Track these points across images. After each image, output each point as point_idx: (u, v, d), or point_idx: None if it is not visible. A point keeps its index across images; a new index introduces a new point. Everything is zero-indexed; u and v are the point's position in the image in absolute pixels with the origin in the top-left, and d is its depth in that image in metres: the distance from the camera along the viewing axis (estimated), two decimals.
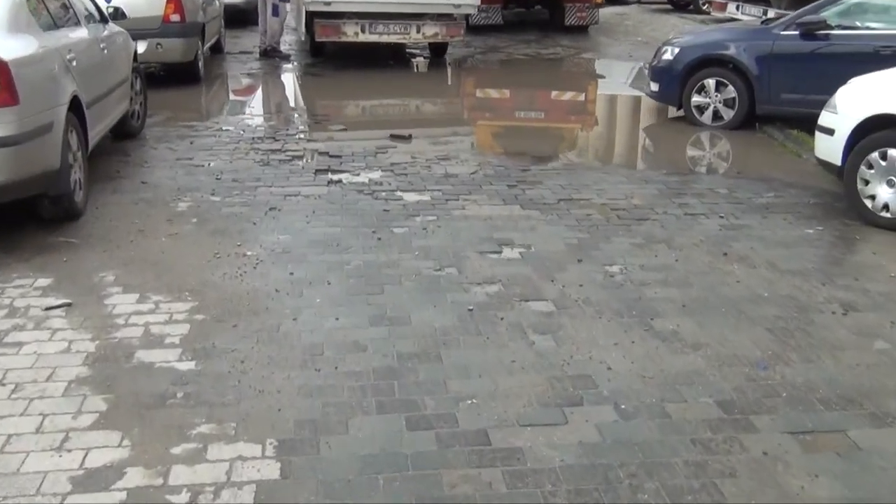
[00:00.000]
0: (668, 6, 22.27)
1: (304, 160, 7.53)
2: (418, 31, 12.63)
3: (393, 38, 12.67)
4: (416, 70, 13.86)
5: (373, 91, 11.59)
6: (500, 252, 5.32)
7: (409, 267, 5.03)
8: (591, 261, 5.20)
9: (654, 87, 9.61)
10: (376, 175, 7.05)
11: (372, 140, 8.34)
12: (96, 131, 6.43)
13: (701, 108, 9.17)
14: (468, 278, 4.88)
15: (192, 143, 8.00)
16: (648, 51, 14.94)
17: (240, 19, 16.32)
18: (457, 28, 12.78)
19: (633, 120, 10.52)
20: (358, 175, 7.06)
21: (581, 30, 17.51)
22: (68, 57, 5.76)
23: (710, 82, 9.05)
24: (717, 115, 9.11)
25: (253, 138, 8.26)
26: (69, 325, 4.21)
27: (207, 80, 11.56)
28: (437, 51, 13.97)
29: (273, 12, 13.14)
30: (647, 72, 10.25)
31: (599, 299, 4.61)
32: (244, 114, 9.61)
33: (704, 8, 20.85)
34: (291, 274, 4.89)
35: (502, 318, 4.35)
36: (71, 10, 6.49)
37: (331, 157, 7.62)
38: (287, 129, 8.76)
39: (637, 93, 11.69)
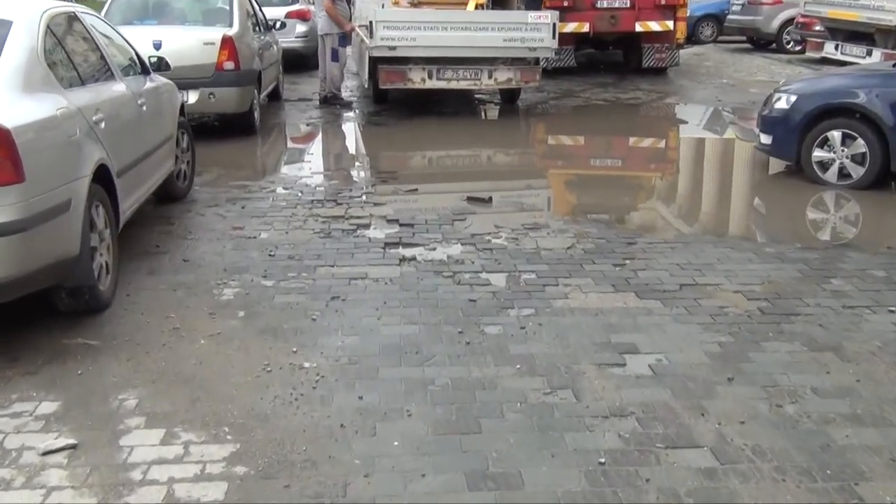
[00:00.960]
0: (748, 45, 21.02)
1: (371, 230, 6.49)
2: (490, 77, 11.60)
3: (463, 85, 11.66)
4: (485, 117, 12.86)
5: (441, 141, 10.62)
6: (625, 364, 4.18)
7: (510, 388, 3.91)
8: (745, 380, 4.02)
9: (766, 139, 8.40)
10: (455, 250, 5.98)
11: (446, 203, 7.30)
12: (130, 202, 5.49)
13: (824, 165, 7.93)
14: (590, 408, 3.74)
15: (243, 207, 7.03)
16: (737, 95, 13.82)
17: (298, 64, 15.55)
18: (532, 73, 11.74)
19: (739, 176, 9.30)
20: (434, 250, 5.99)
21: (659, 72, 16.36)
22: (95, 118, 4.82)
23: (836, 135, 7.81)
24: (843, 173, 7.86)
25: (312, 201, 7.26)
26: (69, 480, 3.18)
27: (264, 131, 10.67)
28: (508, 96, 12.95)
29: (333, 57, 12.28)
30: (755, 123, 8.99)
31: (774, 447, 3.43)
32: (302, 171, 8.64)
33: (789, 47, 19.58)
34: (360, 398, 3.80)
35: (648, 480, 3.19)
36: (104, 62, 5.57)
37: (401, 225, 6.58)
38: (350, 190, 7.75)
39: (732, 141, 10.51)
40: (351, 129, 11.49)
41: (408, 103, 12.55)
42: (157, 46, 9.36)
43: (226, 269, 5.48)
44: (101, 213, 4.79)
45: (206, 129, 10.34)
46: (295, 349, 4.28)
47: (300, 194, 7.53)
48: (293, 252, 5.85)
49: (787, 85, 8.69)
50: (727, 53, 19.77)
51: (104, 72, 5.51)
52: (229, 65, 9.57)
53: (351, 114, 12.20)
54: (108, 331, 4.50)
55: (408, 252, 5.91)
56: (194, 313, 4.75)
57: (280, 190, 7.72)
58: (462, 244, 6.12)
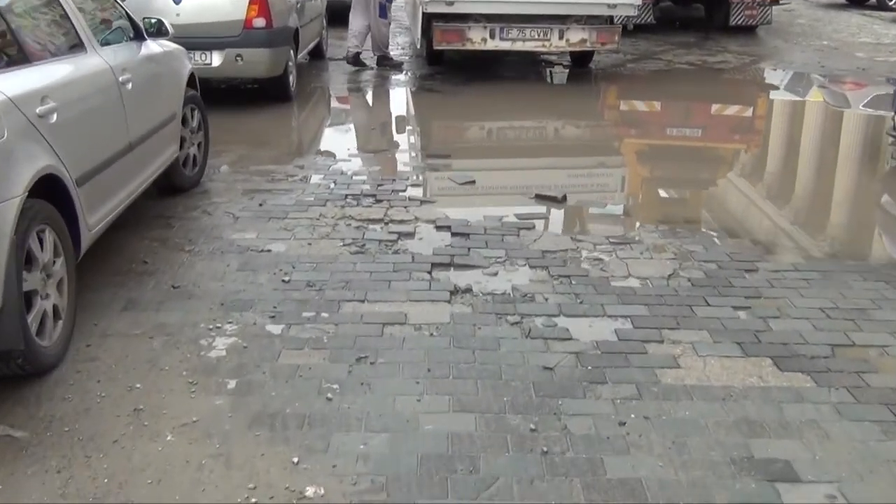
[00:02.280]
0: (844, 0, 18.96)
1: (416, 240, 5.15)
2: (561, 37, 10.07)
3: (529, 46, 10.16)
4: (552, 82, 11.32)
5: (502, 112, 9.19)
6: (781, 501, 2.80)
7: None
8: None
9: None
10: (523, 278, 4.61)
11: (510, 200, 5.95)
12: (104, 212, 4.22)
13: None
14: None
15: (261, 204, 5.73)
16: (842, 60, 12.03)
17: (345, 15, 14.09)
18: (610, 33, 10.16)
19: (864, 166, 7.71)
20: (495, 275, 4.64)
21: (748, 31, 14.61)
22: (40, 110, 3.52)
23: None
24: None
25: (346, 196, 5.92)
26: None
27: (300, 98, 9.33)
28: (580, 59, 11.39)
29: (380, 13, 10.79)
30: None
31: None
32: (339, 152, 7.28)
33: (892, 3, 17.54)
34: None
35: None
36: (71, 30, 4.25)
37: (454, 235, 5.23)
38: (393, 181, 6.38)
39: (856, 120, 8.86)
40: (399, 97, 10.07)
41: (465, 65, 11.10)
42: (178, 1, 8.11)
43: (223, 304, 4.19)
44: (49, 239, 3.52)
45: (233, 94, 9.06)
46: (296, 458, 2.98)
47: (332, 186, 6.20)
48: (314, 277, 4.54)
49: None
50: (821, 10, 17.82)
51: (68, 43, 4.19)
52: (259, 21, 8.22)
53: (401, 76, 10.79)
54: (45, 412, 3.25)
55: (460, 279, 4.57)
56: (168, 382, 3.48)
57: (310, 178, 6.40)
58: (531, 267, 4.75)
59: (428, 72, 10.97)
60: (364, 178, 6.47)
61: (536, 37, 10.03)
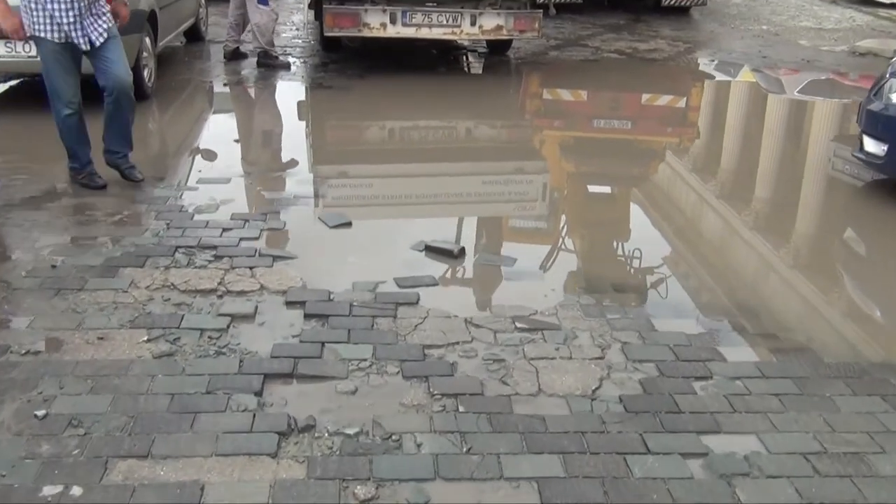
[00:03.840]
0: None
1: (253, 328, 3.76)
2: (474, 24, 8.69)
3: (437, 33, 8.74)
4: (468, 70, 9.96)
5: (407, 110, 7.95)
6: None
7: None
8: None
9: (877, 148, 5.64)
10: (390, 399, 3.26)
11: (392, 254, 4.59)
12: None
13: None
14: None
15: (55, 265, 4.25)
16: (785, 49, 10.92)
17: None
18: (529, 20, 8.82)
19: (829, 201, 6.57)
20: (353, 393, 3.29)
21: (681, 12, 13.44)
22: None
23: None
24: None
25: (175, 249, 4.48)
26: None
27: (160, 96, 7.76)
28: (497, 46, 10.05)
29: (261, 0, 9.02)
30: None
31: None
32: (188, 175, 5.82)
33: None
34: None
35: None
36: None
37: (307, 317, 3.85)
38: (245, 224, 4.95)
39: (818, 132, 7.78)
40: (285, 93, 8.57)
41: (366, 52, 9.63)
42: None
43: None
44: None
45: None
46: None
47: (163, 231, 4.74)
48: (85, 407, 3.10)
49: None
50: None
51: None
52: None
53: (294, 68, 9.25)
54: None
55: (302, 405, 3.20)
56: None
57: (136, 219, 4.93)
58: (405, 377, 3.41)
59: (322, 60, 9.49)
60: (209, 217, 5.01)
61: (445, 22, 8.63)
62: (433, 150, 7.04)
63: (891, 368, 3.69)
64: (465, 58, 10.14)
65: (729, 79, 10.07)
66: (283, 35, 9.96)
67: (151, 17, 7.48)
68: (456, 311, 3.97)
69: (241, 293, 4.06)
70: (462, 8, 8.61)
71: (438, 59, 9.74)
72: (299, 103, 8.22)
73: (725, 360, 3.68)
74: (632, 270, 4.84)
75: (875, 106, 5.68)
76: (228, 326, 3.74)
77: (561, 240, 5.24)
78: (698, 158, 7.42)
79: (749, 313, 4.18)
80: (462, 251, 4.63)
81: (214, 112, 8.03)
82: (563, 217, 5.69)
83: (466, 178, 6.37)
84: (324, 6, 8.45)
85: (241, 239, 4.69)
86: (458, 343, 3.69)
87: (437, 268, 4.49)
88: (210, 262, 4.39)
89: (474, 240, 4.99)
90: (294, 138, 7.09)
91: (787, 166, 7.28)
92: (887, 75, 5.68)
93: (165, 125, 7.40)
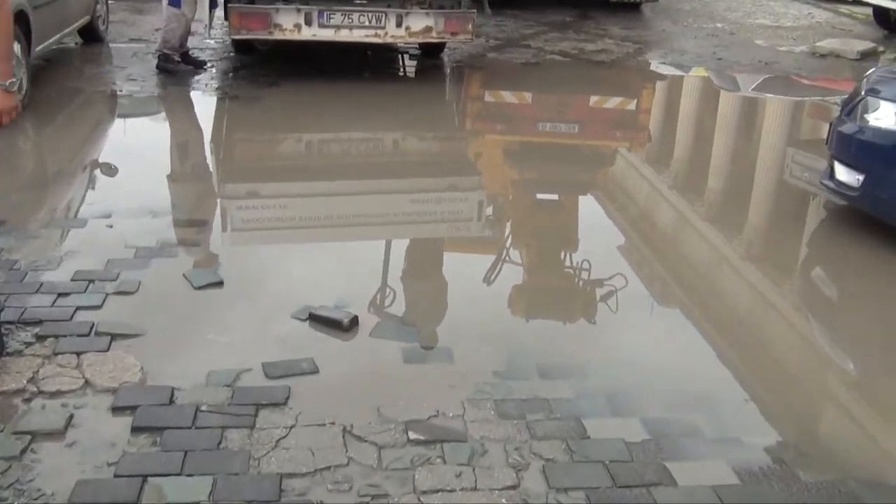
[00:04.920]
0: None
1: (61, 449, 2.84)
2: (400, 25, 7.77)
3: (358, 35, 7.80)
4: (403, 74, 9.07)
5: (323, 121, 7.09)
6: None
7: None
8: None
9: (848, 177, 4.84)
10: None
11: (267, 322, 3.71)
12: None
13: None
14: None
15: None
16: (741, 50, 10.09)
17: None
18: (462, 21, 7.92)
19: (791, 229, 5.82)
20: None
21: (631, 8, 12.66)
22: None
23: None
24: None
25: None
26: None
27: (34, 112, 6.71)
28: (428, 49, 9.15)
29: (172, 0, 7.88)
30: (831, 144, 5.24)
31: None
32: (35, 214, 4.84)
33: None
34: None
35: None
36: None
37: (135, 430, 2.94)
38: (93, 279, 4.00)
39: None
40: (181, 107, 7.59)
41: (283, 55, 8.67)
42: None
43: None
44: None
45: None
46: None
47: None
48: None
49: (891, 81, 5.05)
50: None
51: None
52: None
53: (200, 74, 8.23)
54: None
55: None
56: None
57: None
58: None
59: (233, 65, 8.50)
60: (45, 277, 4.04)
61: (367, 24, 7.71)
62: (356, 165, 6.31)
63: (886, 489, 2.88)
64: (400, 59, 9.23)
65: (682, 74, 9.56)
66: (198, 33, 8.93)
67: (20, 18, 6.43)
68: (333, 415, 3.07)
69: (57, 394, 3.13)
70: (387, 7, 7.70)
71: (363, 63, 8.78)
72: (199, 118, 7.26)
73: (675, 482, 2.84)
74: (580, 283, 4.54)
75: (848, 128, 4.88)
76: (24, 452, 2.81)
77: (505, 251, 4.83)
78: (650, 159, 7.08)
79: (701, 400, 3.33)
80: (353, 321, 3.73)
81: (95, 131, 6.92)
82: (507, 227, 5.31)
83: (393, 196, 5.71)
84: (229, 5, 7.48)
85: (77, 308, 3.74)
86: (328, 468, 2.81)
87: (322, 345, 3.60)
88: (28, 344, 3.44)
89: (403, 266, 4.46)
90: (186, 164, 6.14)
91: (742, 171, 6.87)
92: (862, 92, 4.88)
93: (28, 149, 6.32)
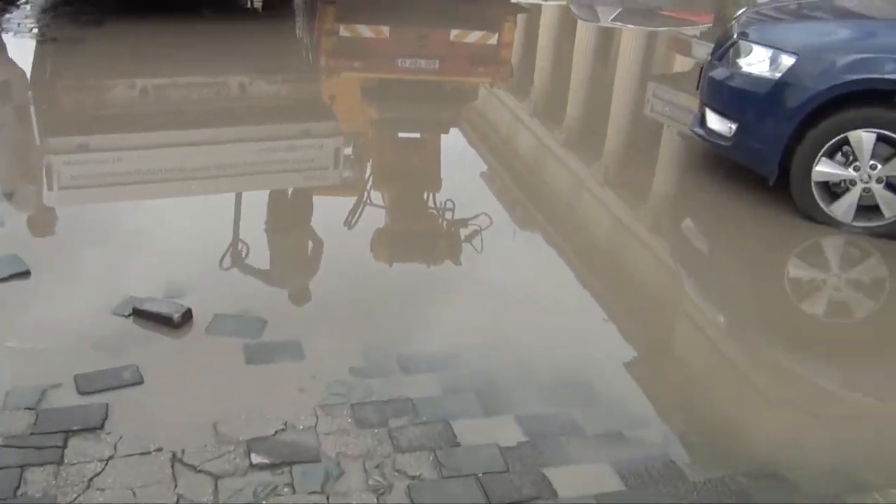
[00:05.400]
0: None
1: None
2: None
3: None
4: (248, 8, 8.36)
5: (168, 63, 6.46)
6: None
7: None
8: None
9: (722, 126, 4.62)
10: None
11: (85, 322, 3.20)
12: None
13: (833, 190, 4.31)
14: None
15: None
16: None
17: None
18: None
19: (663, 176, 5.64)
20: None
21: None
22: None
23: (864, 138, 4.14)
24: (866, 209, 4.27)
25: None
26: None
27: None
28: None
29: None
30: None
31: None
32: None
33: None
34: None
35: None
36: None
37: None
38: None
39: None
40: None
41: None
42: None
43: None
44: None
45: None
46: None
47: None
48: None
49: (763, 23, 4.81)
50: None
51: None
52: None
53: (11, 12, 7.25)
54: None
55: None
56: None
57: None
58: None
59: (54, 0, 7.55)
60: None
61: None
62: (199, 112, 5.81)
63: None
64: None
65: (540, 2, 9.53)
66: None
67: None
68: (161, 439, 2.60)
69: None
70: None
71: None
72: (11, 65, 6.41)
73: (556, 494, 2.53)
74: (444, 224, 4.40)
75: (719, 73, 4.65)
76: None
77: (366, 194, 4.63)
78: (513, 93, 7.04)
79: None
80: (186, 315, 3.22)
81: None
82: (368, 169, 5.12)
83: (241, 145, 5.26)
84: None
85: None
86: None
87: (149, 347, 3.09)
88: None
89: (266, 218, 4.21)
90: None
91: (602, 111, 6.83)
92: (734, 35, 4.63)
93: None
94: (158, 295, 3.37)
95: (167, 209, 4.37)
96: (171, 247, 3.82)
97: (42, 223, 4.10)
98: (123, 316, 3.24)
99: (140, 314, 3.22)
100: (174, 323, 3.18)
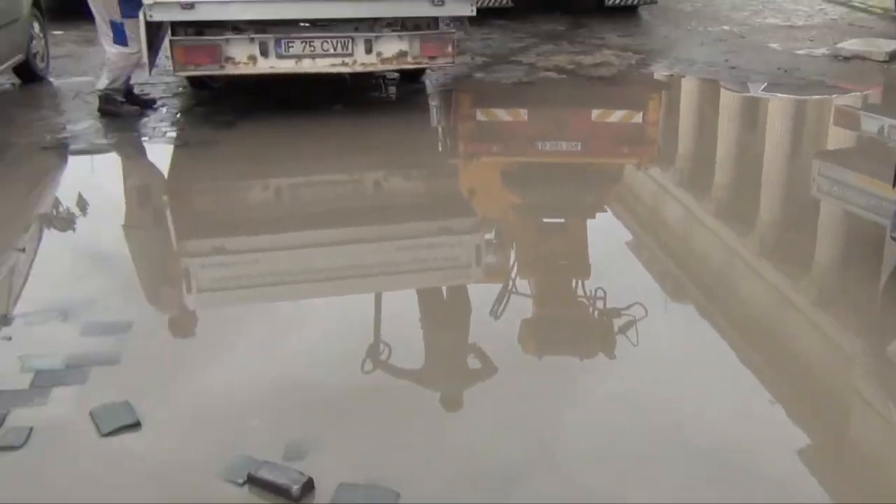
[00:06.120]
0: None
1: None
2: (370, 51, 6.77)
3: (323, 65, 6.78)
4: (389, 96, 8.12)
5: (298, 162, 6.26)
6: None
7: None
8: None
9: None
10: None
11: (194, 488, 2.71)
12: None
13: None
14: None
15: None
16: (754, 55, 8.99)
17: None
18: (440, 43, 6.91)
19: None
20: None
21: (628, 11, 11.70)
22: None
23: None
24: None
25: None
26: None
27: None
28: (408, 74, 8.14)
29: (117, 36, 6.82)
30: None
31: None
32: None
33: None
34: None
35: None
36: None
37: None
38: None
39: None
40: (127, 158, 6.60)
41: (240, 87, 7.66)
42: None
43: None
44: None
45: None
46: None
47: None
48: None
49: None
50: None
51: None
52: None
53: (147, 117, 7.19)
54: None
55: None
56: None
57: None
58: None
59: (187, 103, 7.50)
60: None
61: (332, 51, 6.72)
62: (334, 211, 5.49)
63: None
64: (382, 81, 8.26)
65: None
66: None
67: None
68: None
69: None
70: (354, 31, 6.71)
71: (334, 92, 7.76)
72: (146, 172, 6.34)
73: None
74: (595, 313, 4.17)
75: None
76: None
77: (511, 283, 4.41)
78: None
79: None
80: (306, 487, 2.72)
81: (10, 194, 5.75)
82: (511, 256, 4.91)
83: (378, 244, 5.03)
84: (171, 39, 6.48)
85: None
86: None
87: None
88: None
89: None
90: (117, 232, 5.15)
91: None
92: None
93: None
94: (279, 447, 2.91)
95: (302, 315, 4.07)
96: (297, 372, 3.41)
97: (182, 325, 3.99)
98: (237, 484, 2.77)
99: (255, 482, 2.75)
100: (292, 495, 2.68)
